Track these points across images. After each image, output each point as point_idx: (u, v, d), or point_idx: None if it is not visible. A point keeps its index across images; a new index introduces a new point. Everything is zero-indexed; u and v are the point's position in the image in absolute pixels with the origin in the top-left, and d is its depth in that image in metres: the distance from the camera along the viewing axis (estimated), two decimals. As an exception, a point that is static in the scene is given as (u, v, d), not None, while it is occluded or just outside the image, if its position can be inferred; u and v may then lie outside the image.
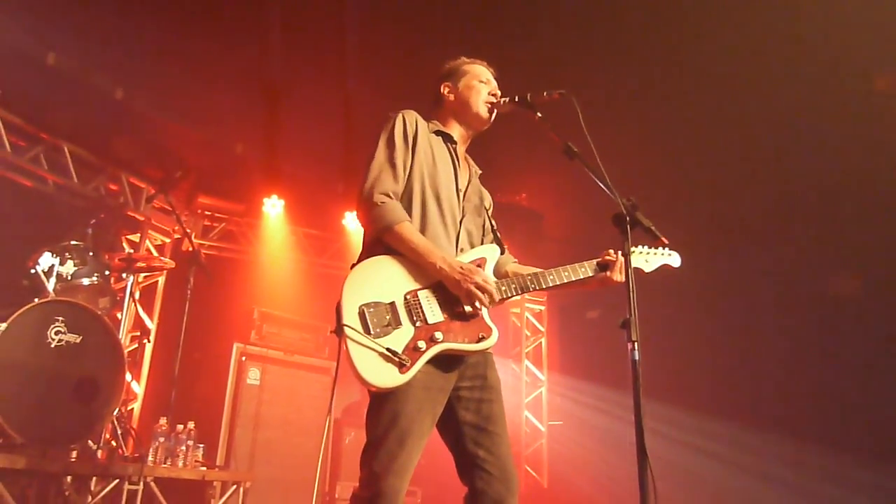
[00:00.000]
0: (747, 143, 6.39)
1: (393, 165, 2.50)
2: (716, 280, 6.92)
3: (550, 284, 2.57)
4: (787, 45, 5.42)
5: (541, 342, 9.17)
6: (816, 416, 6.42)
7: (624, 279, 2.49)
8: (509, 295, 2.49)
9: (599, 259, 2.62)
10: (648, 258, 2.73)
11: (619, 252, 2.59)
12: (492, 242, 2.75)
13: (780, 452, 6.42)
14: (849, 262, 6.61)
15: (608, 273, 2.58)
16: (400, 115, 2.61)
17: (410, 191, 2.52)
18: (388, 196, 2.45)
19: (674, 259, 2.77)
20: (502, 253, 2.72)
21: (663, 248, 2.73)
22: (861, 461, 5.91)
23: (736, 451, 6.70)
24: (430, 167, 2.57)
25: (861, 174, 6.17)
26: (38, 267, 4.52)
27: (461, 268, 2.37)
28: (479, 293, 2.35)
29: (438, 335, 2.32)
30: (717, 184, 6.86)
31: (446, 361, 2.36)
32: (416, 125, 2.61)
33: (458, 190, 2.63)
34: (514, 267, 2.77)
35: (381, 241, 2.44)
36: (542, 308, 9.29)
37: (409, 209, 2.49)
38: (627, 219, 2.14)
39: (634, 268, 2.60)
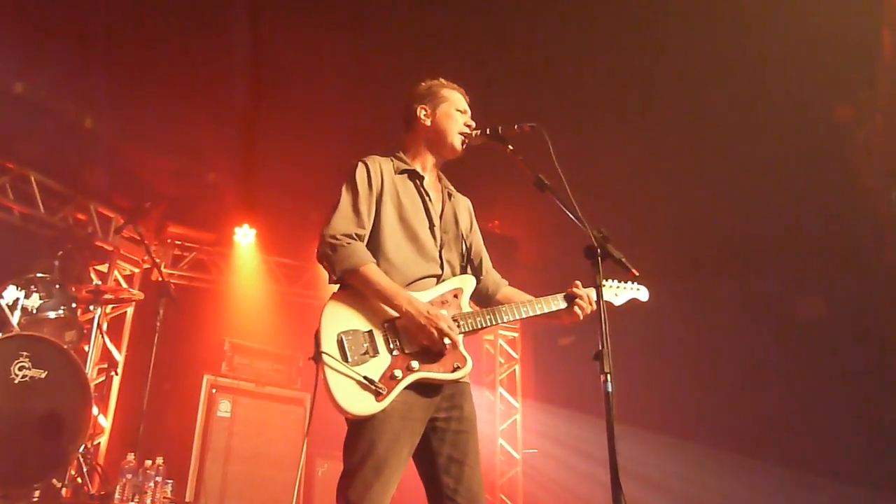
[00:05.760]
0: (715, 175, 6.51)
1: (357, 212, 2.51)
2: (685, 308, 7.00)
3: (523, 315, 2.60)
4: (755, 82, 5.58)
5: (515, 369, 9.15)
6: (787, 439, 6.49)
7: (587, 314, 2.56)
8: (482, 325, 2.51)
9: (567, 292, 2.64)
10: (618, 292, 2.78)
11: (578, 283, 2.64)
12: (468, 271, 2.76)
13: (751, 475, 6.45)
14: (813, 288, 6.73)
15: (574, 308, 2.61)
16: (362, 164, 2.61)
17: (383, 237, 2.52)
18: (352, 238, 2.46)
19: (642, 293, 2.83)
20: (478, 280, 2.74)
21: (633, 283, 2.80)
22: (830, 483, 5.95)
23: (709, 475, 6.72)
24: (400, 210, 2.58)
25: (824, 204, 6.33)
26: (1, 300, 4.43)
27: (427, 312, 2.38)
28: (441, 337, 2.36)
29: (415, 364, 2.35)
30: (685, 215, 6.97)
31: (423, 391, 2.37)
32: (381, 171, 2.61)
33: (432, 226, 2.63)
34: (506, 292, 2.81)
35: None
36: (516, 335, 9.29)
37: (382, 254, 2.49)
38: (598, 251, 2.17)
39: (605, 301, 2.63)
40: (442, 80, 2.84)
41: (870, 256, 6.20)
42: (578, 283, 2.65)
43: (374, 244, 2.51)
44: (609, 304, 2.73)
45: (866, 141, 5.96)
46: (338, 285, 2.50)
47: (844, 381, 6.26)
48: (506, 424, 8.85)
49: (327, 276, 2.48)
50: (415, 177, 2.69)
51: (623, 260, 2.21)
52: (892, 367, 6.07)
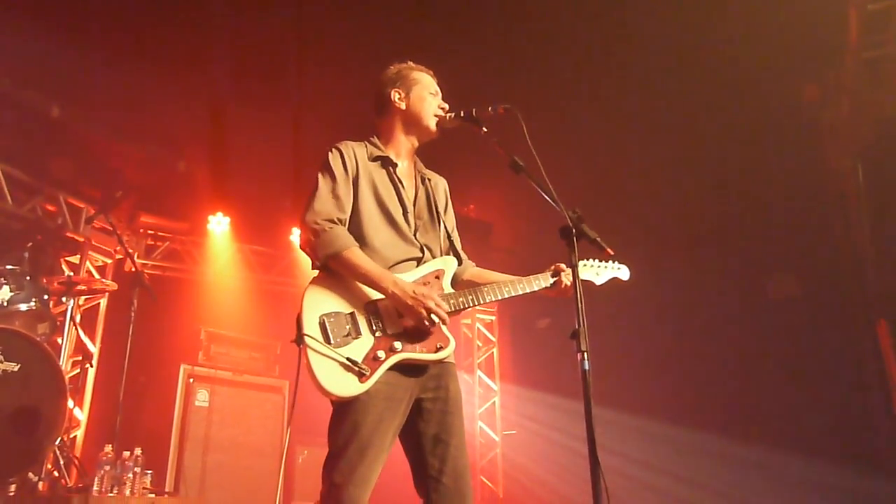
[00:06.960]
0: (690, 156, 6.59)
1: (336, 197, 2.50)
2: (662, 287, 7.08)
3: (506, 296, 2.60)
4: (725, 63, 5.64)
5: (493, 352, 9.20)
6: (762, 417, 6.61)
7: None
8: (465, 306, 2.52)
9: (552, 270, 2.66)
10: (599, 271, 2.81)
11: (562, 265, 2.64)
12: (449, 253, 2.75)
13: (728, 455, 6.55)
14: (783, 265, 6.85)
15: (562, 283, 2.62)
16: (335, 150, 2.60)
17: (362, 221, 2.52)
18: (334, 222, 2.45)
19: (623, 272, 2.85)
20: (460, 262, 2.74)
21: (613, 262, 2.82)
22: (807, 461, 6.04)
23: (686, 456, 6.82)
24: (376, 194, 2.58)
25: (793, 183, 6.43)
26: (-29, 293, 4.35)
27: (413, 292, 2.38)
28: (432, 316, 2.37)
29: (397, 345, 2.35)
30: (661, 196, 7.05)
31: (408, 372, 2.38)
32: (354, 156, 2.60)
33: (405, 213, 2.62)
34: (473, 272, 2.80)
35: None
36: (493, 318, 9.33)
37: (362, 239, 2.49)
38: (573, 231, 2.19)
39: (586, 280, 2.66)
40: (410, 63, 2.82)
41: (837, 234, 6.32)
42: (562, 265, 2.64)
43: (354, 228, 2.51)
44: (591, 283, 2.77)
45: (833, 121, 6.06)
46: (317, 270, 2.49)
47: (812, 358, 6.37)
48: (485, 407, 8.91)
49: (310, 262, 2.48)
50: (388, 164, 2.68)
51: (598, 239, 2.22)
52: (860, 343, 6.20)
